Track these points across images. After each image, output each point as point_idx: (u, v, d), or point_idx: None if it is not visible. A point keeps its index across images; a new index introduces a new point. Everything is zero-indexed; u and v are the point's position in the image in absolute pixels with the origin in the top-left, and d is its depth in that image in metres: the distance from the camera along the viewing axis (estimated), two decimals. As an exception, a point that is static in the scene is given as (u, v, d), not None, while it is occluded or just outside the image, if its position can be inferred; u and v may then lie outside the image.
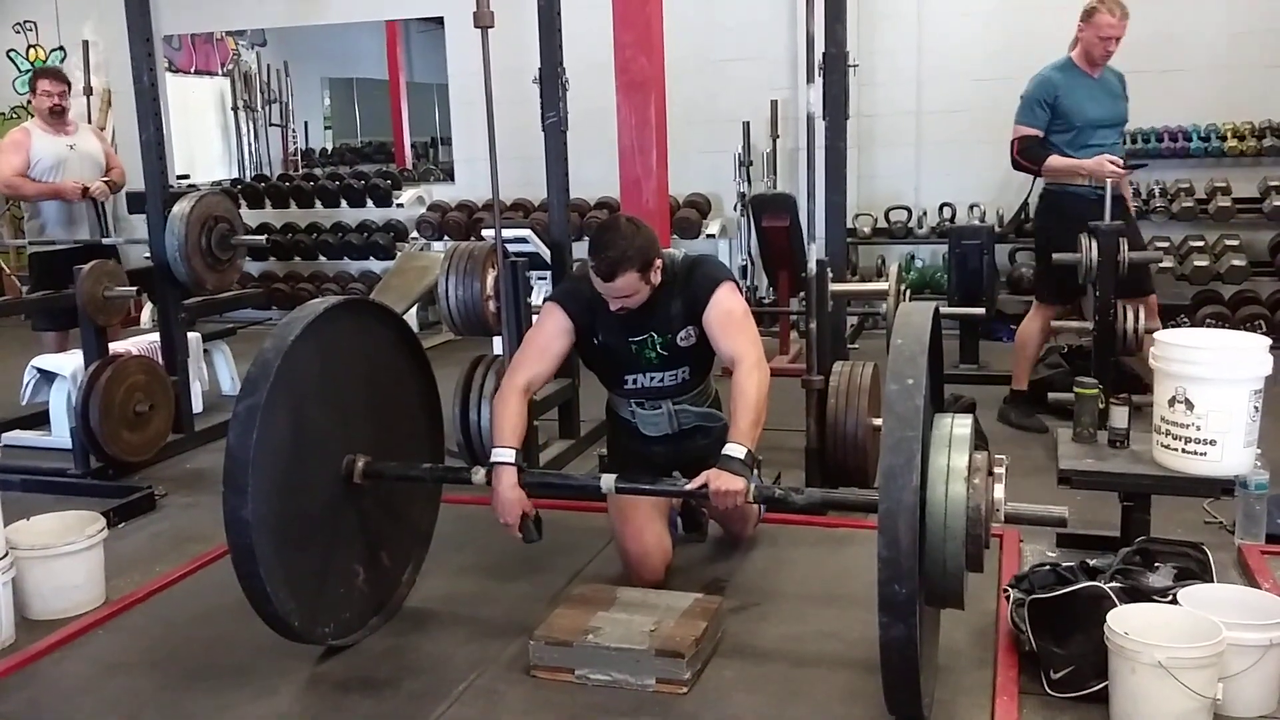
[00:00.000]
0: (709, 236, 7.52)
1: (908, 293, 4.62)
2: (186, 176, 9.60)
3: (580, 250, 3.63)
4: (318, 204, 8.76)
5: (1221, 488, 3.22)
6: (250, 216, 8.37)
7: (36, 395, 5.37)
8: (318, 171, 10.57)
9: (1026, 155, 4.84)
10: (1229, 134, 6.71)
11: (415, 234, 8.39)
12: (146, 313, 7.36)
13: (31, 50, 9.49)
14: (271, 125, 11.18)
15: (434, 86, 10.47)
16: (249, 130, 10.88)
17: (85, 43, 8.48)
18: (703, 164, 7.57)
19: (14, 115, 9.31)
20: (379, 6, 9.06)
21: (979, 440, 2.68)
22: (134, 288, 5.00)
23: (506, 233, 4.55)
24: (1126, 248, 4.52)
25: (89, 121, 7.62)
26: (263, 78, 11.16)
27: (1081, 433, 3.46)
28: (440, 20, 8.65)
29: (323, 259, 8.65)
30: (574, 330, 3.23)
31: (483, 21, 3.60)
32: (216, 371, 6.11)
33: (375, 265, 8.51)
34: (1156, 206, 6.68)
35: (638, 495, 3.20)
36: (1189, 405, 3.06)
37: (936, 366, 2.78)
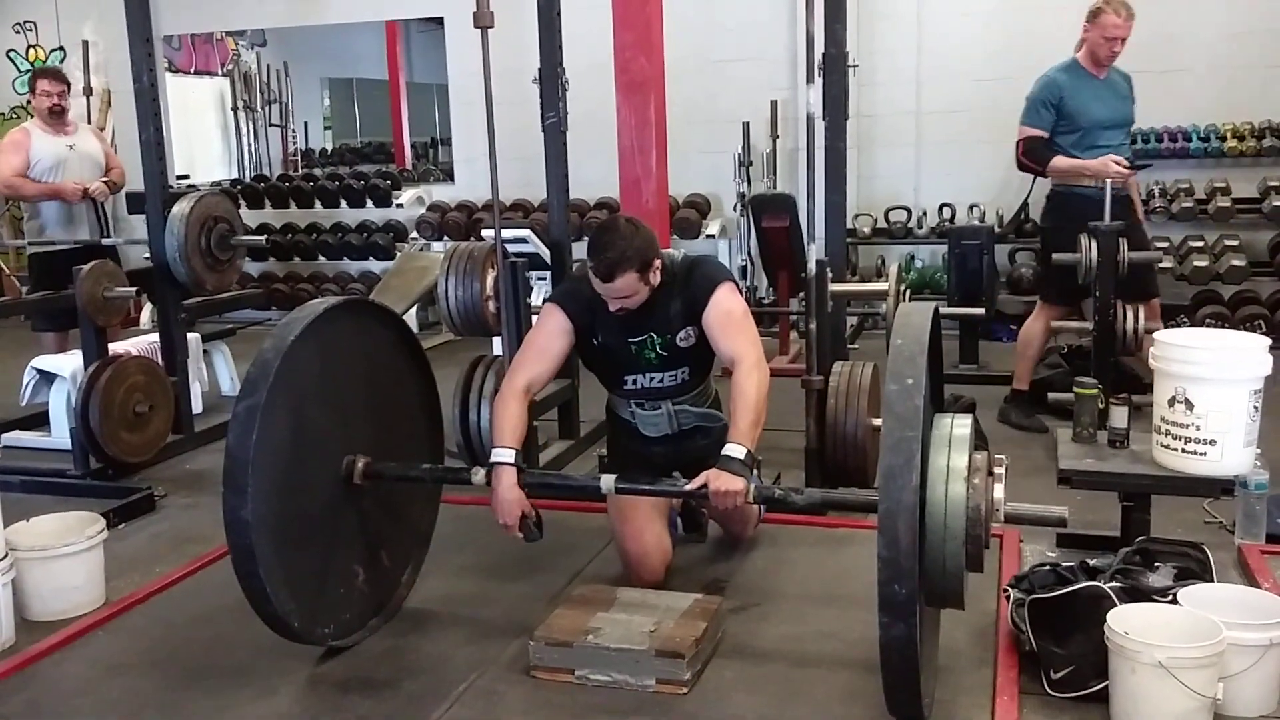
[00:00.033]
0: (709, 237, 7.52)
1: (907, 293, 4.61)
2: (186, 177, 9.60)
3: (580, 250, 3.63)
4: (317, 204, 8.76)
5: (1221, 488, 3.22)
6: (250, 217, 8.37)
7: (36, 396, 5.37)
8: (317, 172, 10.58)
9: (1031, 156, 4.84)
10: (1228, 134, 6.71)
11: (415, 234, 8.39)
12: (146, 313, 7.36)
13: (31, 50, 9.49)
14: (271, 125, 11.19)
15: (434, 87, 10.49)
16: (249, 130, 10.89)
17: (85, 43, 8.48)
18: (702, 164, 7.58)
19: (14, 115, 9.31)
20: (379, 7, 9.06)
21: (979, 440, 2.68)
22: (133, 288, 5.01)
23: (506, 233, 4.55)
24: (1126, 248, 4.52)
25: (89, 122, 7.62)
26: (262, 78, 11.17)
27: (1081, 433, 3.46)
28: (440, 20, 8.65)
29: (322, 259, 8.65)
30: (574, 331, 3.23)
31: (482, 22, 3.60)
32: (216, 372, 6.11)
33: (375, 266, 8.50)
34: (1156, 207, 6.68)
35: (637, 496, 3.20)
36: (1189, 405, 3.06)
37: (936, 367, 2.78)
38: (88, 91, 8.17)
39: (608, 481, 3.00)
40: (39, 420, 5.35)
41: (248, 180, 9.65)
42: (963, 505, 2.38)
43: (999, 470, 2.49)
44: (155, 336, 5.37)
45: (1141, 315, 4.60)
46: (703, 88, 7.47)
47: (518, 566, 3.52)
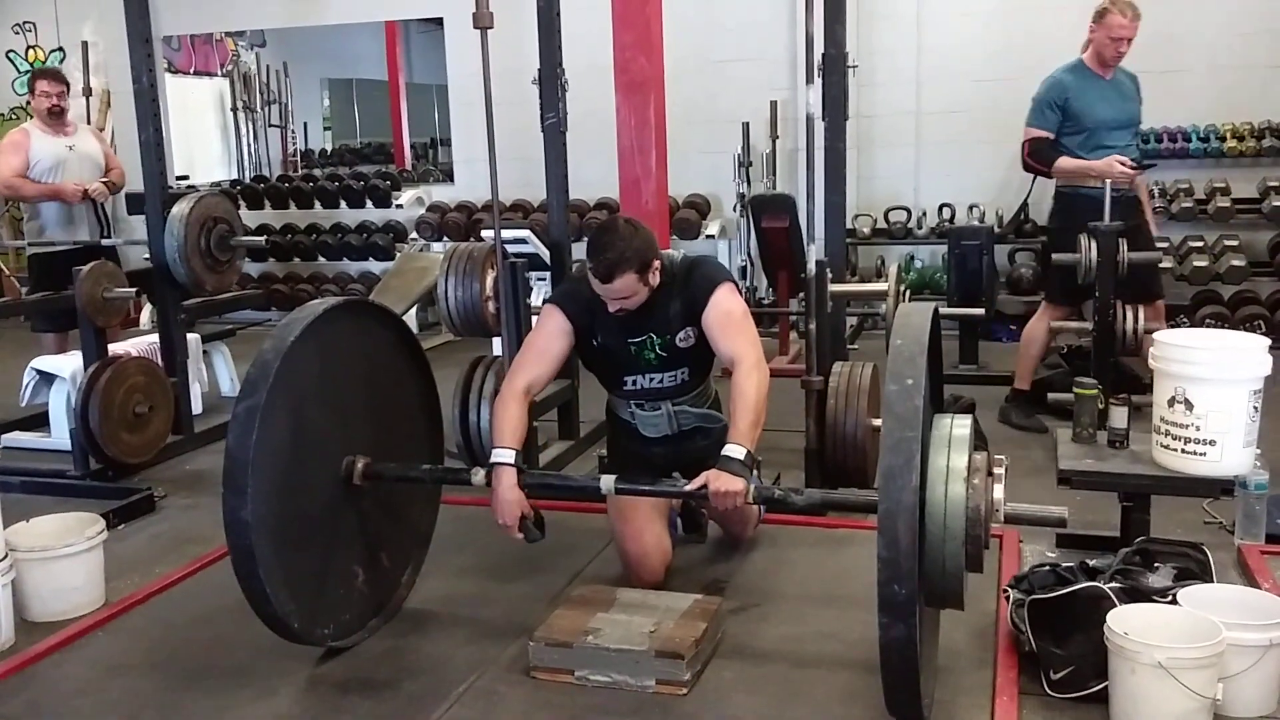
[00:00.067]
0: (708, 237, 7.52)
1: (907, 293, 4.62)
2: (186, 177, 9.61)
3: (579, 251, 3.63)
4: (317, 205, 8.76)
5: (1221, 488, 3.22)
6: (249, 217, 8.36)
7: (36, 397, 5.37)
8: (317, 172, 10.58)
9: (1037, 157, 4.84)
10: (1228, 134, 6.71)
11: (414, 235, 8.39)
12: (146, 314, 7.36)
13: (31, 51, 9.49)
14: (271, 126, 11.20)
15: (433, 87, 10.50)
16: (248, 131, 10.89)
17: (84, 43, 8.48)
18: (702, 165, 7.57)
19: (13, 116, 9.31)
20: (378, 7, 9.06)
21: (978, 441, 2.68)
22: (133, 289, 5.01)
23: (506, 233, 4.55)
24: (1126, 248, 4.52)
25: (88, 122, 7.62)
26: (262, 78, 11.17)
27: (1081, 433, 3.46)
28: (439, 21, 8.65)
29: (322, 260, 8.65)
30: (573, 332, 3.23)
31: (482, 22, 3.60)
32: (216, 373, 6.11)
33: (374, 266, 8.50)
34: (1156, 207, 6.66)
35: (637, 496, 3.20)
36: (1188, 405, 3.06)
37: (936, 367, 2.78)
38: (87, 92, 8.17)
39: (607, 482, 3.00)
40: (39, 421, 5.35)
41: (247, 181, 9.65)
42: (962, 506, 2.38)
43: (999, 471, 2.49)
44: (155, 337, 5.37)
45: (1145, 316, 4.60)
46: (702, 88, 7.47)
47: (517, 567, 3.52)
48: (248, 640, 2.99)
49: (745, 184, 7.41)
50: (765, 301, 7.21)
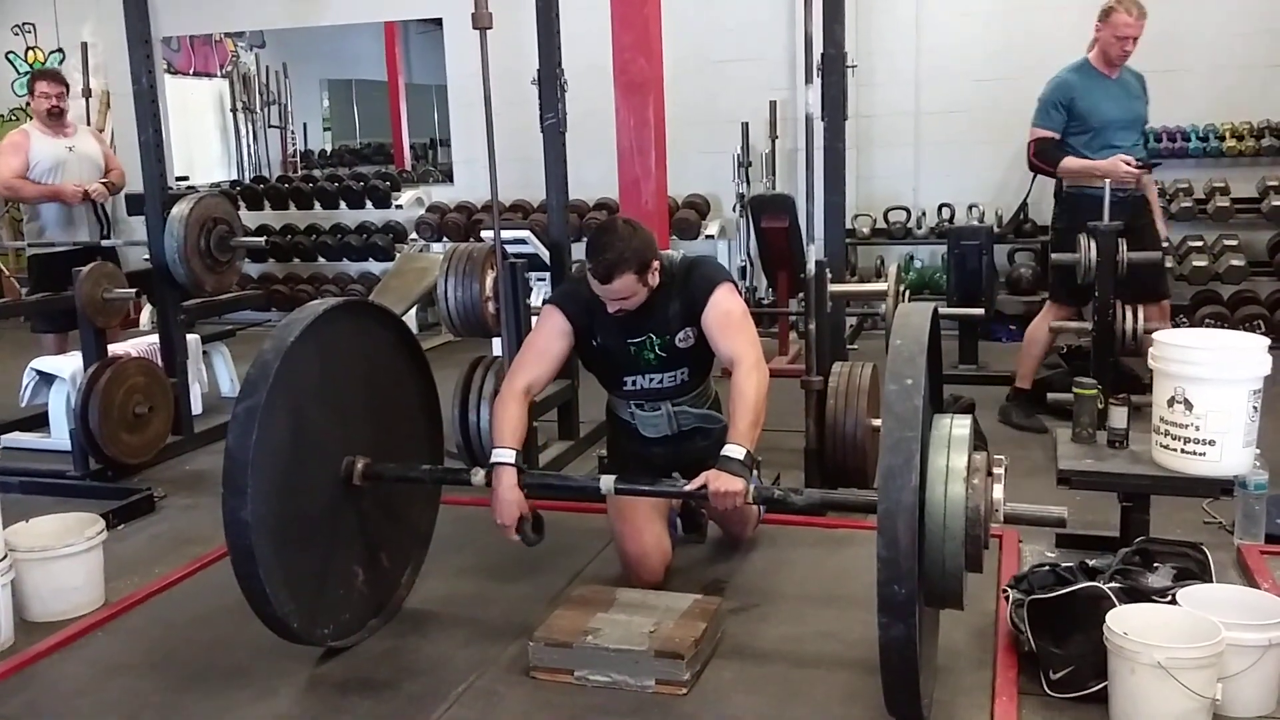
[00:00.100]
0: (708, 237, 7.52)
1: (906, 293, 4.62)
2: (185, 178, 9.60)
3: (579, 251, 3.63)
4: (316, 205, 8.76)
5: (1221, 488, 3.22)
6: (249, 218, 8.36)
7: (36, 397, 5.38)
8: (316, 173, 10.57)
9: (1042, 157, 4.84)
10: (1227, 134, 6.72)
11: (414, 235, 8.39)
12: (146, 314, 7.36)
13: (30, 52, 9.49)
14: (270, 127, 11.19)
15: (433, 88, 10.47)
16: (248, 132, 10.89)
17: (84, 44, 8.47)
18: (702, 165, 7.58)
19: (13, 117, 9.32)
20: (378, 8, 9.07)
21: (978, 441, 2.68)
22: (133, 289, 5.01)
23: (505, 234, 4.55)
24: (1125, 249, 4.52)
25: (88, 123, 7.62)
26: (261, 79, 11.16)
27: (1080, 433, 3.46)
28: (439, 21, 8.65)
29: (322, 260, 8.65)
30: (573, 332, 3.23)
31: (481, 23, 3.60)
32: (216, 373, 6.12)
33: (374, 267, 8.51)
34: (1156, 207, 6.69)
35: (637, 496, 3.20)
36: (1188, 405, 3.06)
37: (935, 367, 2.78)
38: (87, 93, 8.17)
39: (607, 482, 3.00)
40: (38, 421, 5.35)
41: (247, 181, 9.65)
42: (962, 505, 2.38)
43: (998, 470, 2.50)
44: (155, 338, 5.37)
45: (1150, 316, 4.61)
46: (702, 88, 7.46)
47: (517, 567, 3.52)
48: (247, 640, 2.99)
49: (745, 184, 7.41)
50: (765, 302, 7.21)
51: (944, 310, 3.98)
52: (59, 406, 5.14)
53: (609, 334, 3.23)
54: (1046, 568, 2.90)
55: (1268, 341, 3.14)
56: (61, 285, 4.99)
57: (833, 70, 4.18)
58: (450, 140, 9.15)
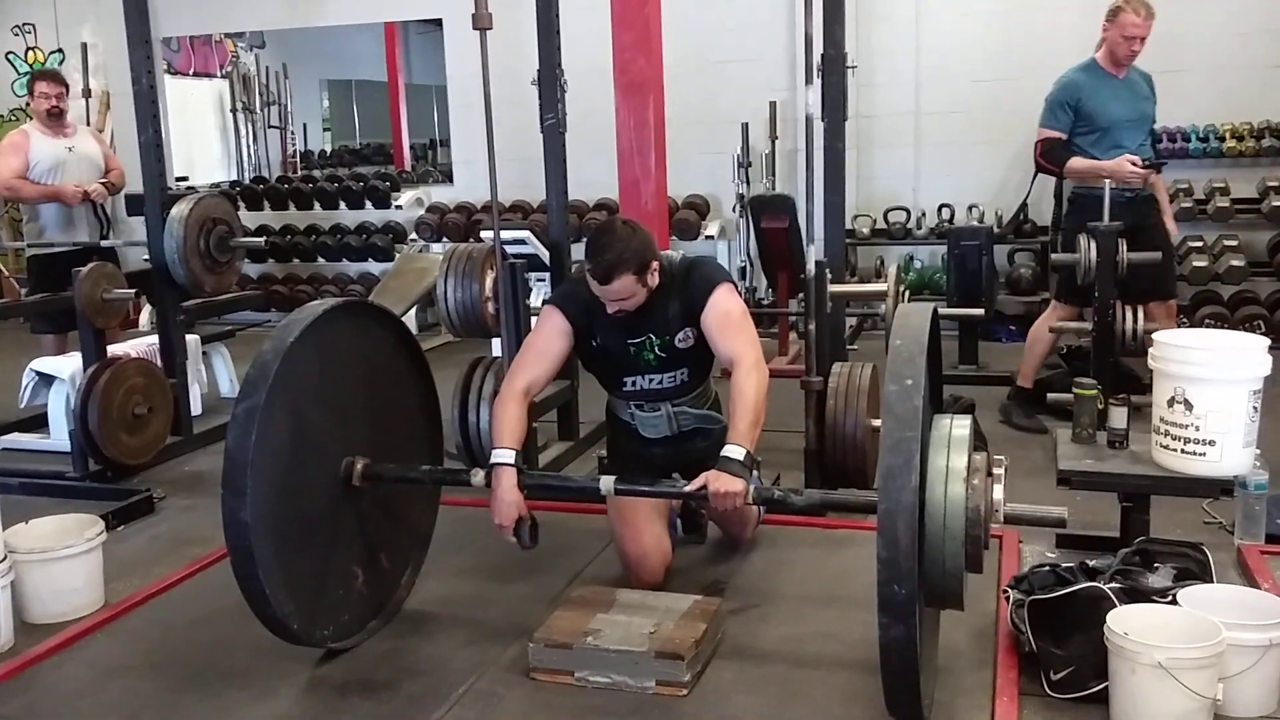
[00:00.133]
0: (708, 238, 7.52)
1: (906, 294, 4.62)
2: (185, 179, 9.60)
3: (579, 252, 3.62)
4: (316, 206, 8.75)
5: (1221, 488, 3.22)
6: (249, 218, 8.36)
7: (35, 398, 5.38)
8: (316, 173, 10.57)
9: (1049, 158, 4.84)
10: (1227, 134, 6.72)
11: (414, 236, 8.39)
12: (145, 315, 7.35)
13: (30, 53, 9.49)
14: (270, 127, 11.19)
15: (432, 88, 10.48)
16: (248, 132, 10.89)
17: (84, 45, 8.48)
18: (701, 165, 7.58)
19: (13, 118, 9.31)
20: (377, 8, 9.06)
21: (978, 441, 2.68)
22: (132, 290, 5.01)
23: (505, 234, 4.55)
24: (1126, 249, 4.52)
25: (87, 124, 7.62)
26: (261, 80, 11.17)
27: (1081, 433, 3.45)
28: (439, 22, 8.65)
29: (321, 261, 8.65)
30: (572, 332, 3.23)
31: (481, 23, 3.60)
32: (215, 374, 6.11)
33: (374, 267, 8.50)
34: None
35: (637, 497, 3.20)
36: (1188, 406, 3.05)
37: (935, 367, 2.78)
38: (86, 93, 8.18)
39: (607, 483, 3.00)
40: (38, 422, 5.35)
41: (247, 182, 9.65)
42: (962, 506, 2.38)
43: (998, 471, 2.49)
44: (154, 338, 5.37)
45: (1156, 314, 4.62)
46: (702, 89, 7.46)
47: (517, 568, 3.52)
48: (247, 642, 2.98)
49: (744, 185, 7.41)
50: (765, 302, 7.21)
51: (944, 310, 3.98)
52: (58, 407, 5.14)
53: (609, 334, 3.22)
54: (1047, 568, 2.90)
55: (1268, 342, 3.14)
56: (61, 286, 4.99)
57: (833, 71, 4.18)
58: (450, 140, 9.15)
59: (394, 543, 3.25)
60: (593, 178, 6.77)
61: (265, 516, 2.68)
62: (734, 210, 7.55)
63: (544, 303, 3.36)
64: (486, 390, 4.14)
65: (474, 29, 3.60)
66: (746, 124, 7.39)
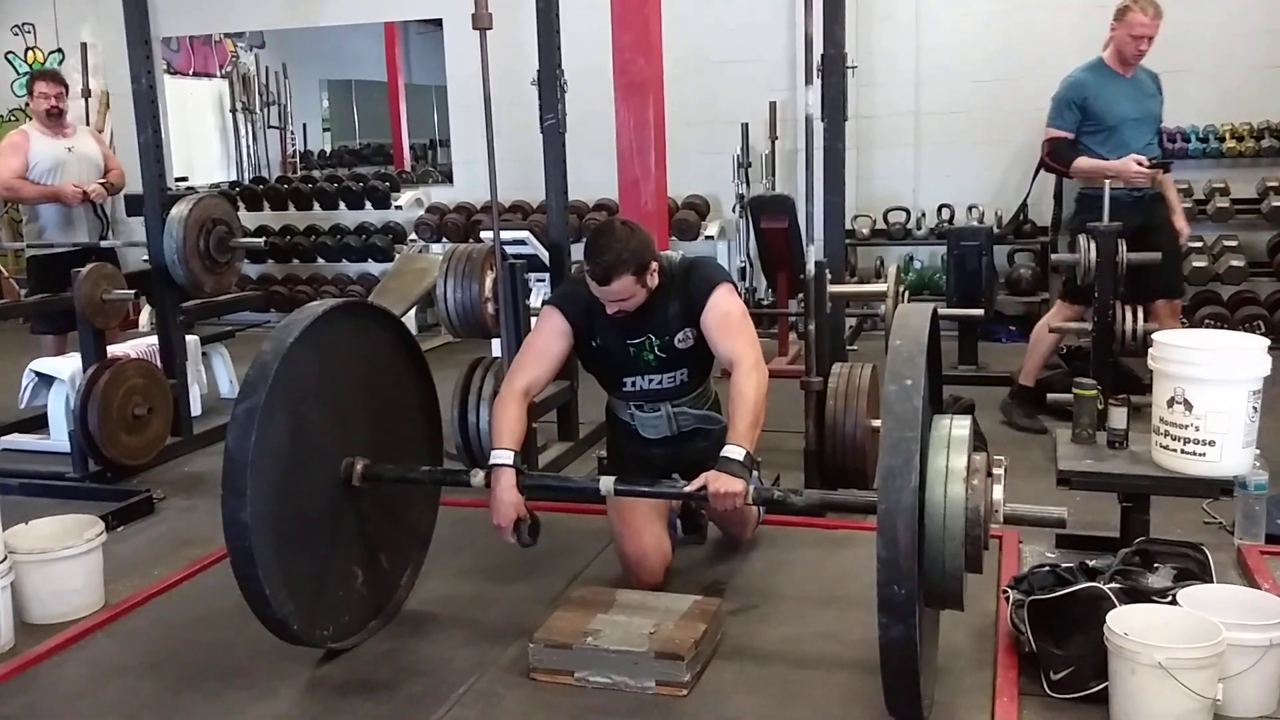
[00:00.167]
0: (707, 238, 7.51)
1: (906, 294, 4.62)
2: (185, 179, 9.60)
3: (578, 252, 3.62)
4: (316, 206, 8.75)
5: (1221, 488, 3.22)
6: (248, 219, 8.36)
7: (35, 398, 5.37)
8: (316, 174, 10.57)
9: (1056, 157, 4.85)
10: (1227, 135, 6.72)
11: (414, 236, 8.39)
12: (145, 315, 7.36)
13: (29, 53, 9.49)
14: (270, 127, 11.20)
15: (432, 88, 10.49)
16: (247, 132, 10.89)
17: (83, 45, 8.48)
18: (701, 165, 7.57)
19: (12, 118, 9.31)
20: (377, 8, 9.06)
21: (977, 441, 2.68)
22: (132, 290, 5.01)
23: (505, 235, 4.56)
24: (1126, 249, 4.52)
25: (87, 124, 7.62)
26: (261, 80, 11.17)
27: (1080, 433, 3.45)
28: (439, 22, 8.65)
29: (321, 261, 8.65)
30: (572, 333, 3.22)
31: (481, 23, 3.60)
32: (215, 374, 6.11)
33: (373, 267, 8.50)
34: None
35: (637, 497, 3.20)
36: (1188, 406, 3.06)
37: (935, 368, 2.78)
38: (86, 93, 8.17)
39: (607, 483, 2.99)
40: (38, 423, 5.35)
41: (246, 182, 9.66)
42: (962, 506, 2.38)
43: (998, 471, 2.49)
44: (154, 339, 5.37)
45: (1160, 313, 4.62)
46: (701, 89, 7.46)
47: (517, 569, 3.52)
48: (247, 642, 2.98)
49: (744, 185, 7.41)
50: (764, 302, 7.21)
51: (943, 311, 3.98)
52: (58, 408, 5.14)
53: (608, 335, 3.22)
54: (1046, 568, 2.90)
55: (1267, 342, 3.14)
56: (60, 286, 4.99)
57: (833, 71, 4.18)
58: (450, 141, 9.15)
59: (394, 543, 3.25)
60: (592, 178, 6.77)
61: (265, 517, 2.67)
62: (734, 210, 7.55)
63: (544, 303, 3.36)
64: (486, 391, 4.14)
65: (474, 29, 3.60)
66: (746, 124, 7.39)
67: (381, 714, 2.75)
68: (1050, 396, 4.81)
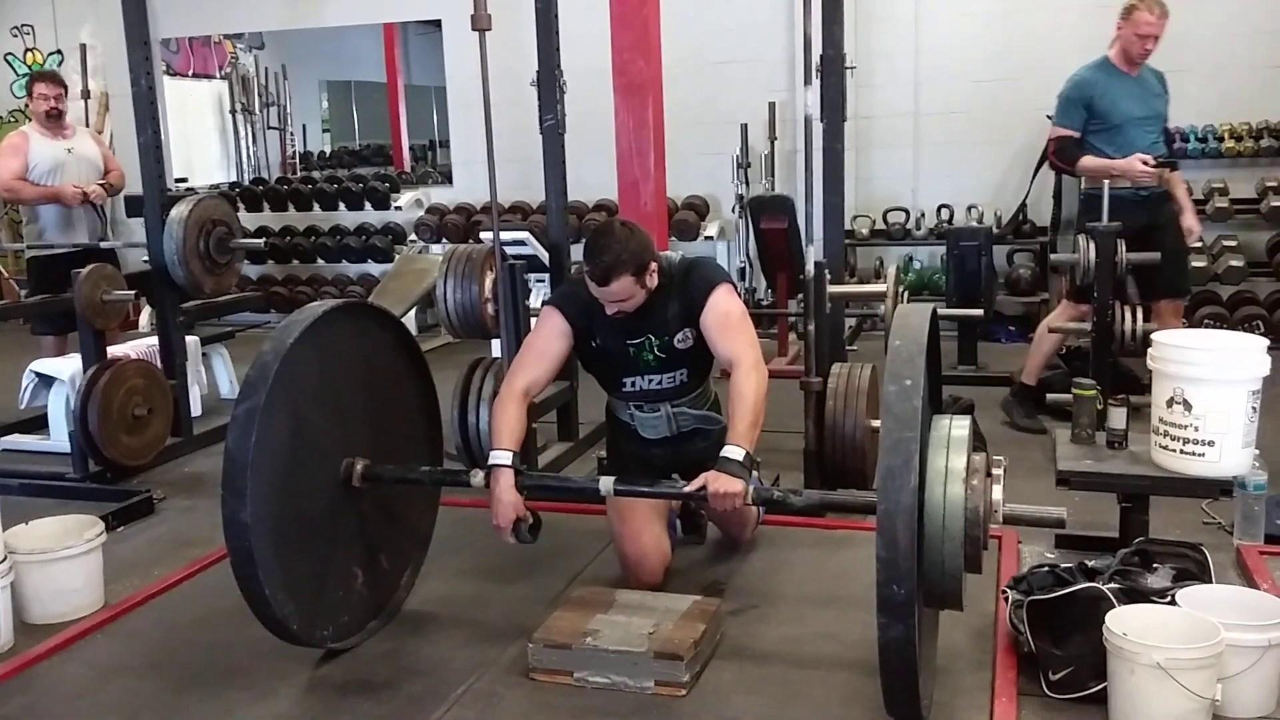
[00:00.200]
0: (707, 238, 7.52)
1: (905, 294, 4.62)
2: (185, 180, 9.60)
3: (578, 253, 3.63)
4: (316, 207, 8.76)
5: (1220, 488, 3.22)
6: (248, 220, 8.37)
7: (35, 399, 5.38)
8: (316, 174, 10.58)
9: (1062, 156, 4.85)
10: (1226, 135, 6.72)
11: (413, 237, 8.39)
12: (145, 316, 7.36)
13: (29, 54, 9.49)
14: (269, 128, 11.19)
15: (432, 89, 10.48)
16: (247, 133, 10.89)
17: (83, 46, 8.48)
18: (701, 166, 7.58)
19: (12, 119, 9.31)
20: (377, 9, 9.06)
21: (977, 441, 2.68)
22: (132, 291, 5.01)
23: (505, 235, 4.56)
24: (1124, 249, 4.52)
25: (87, 125, 7.62)
26: (260, 81, 11.16)
27: (1080, 434, 3.46)
28: (438, 23, 8.65)
29: (321, 262, 8.65)
30: (572, 333, 3.23)
31: (480, 24, 3.60)
32: (215, 375, 6.12)
33: (373, 268, 8.51)
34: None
35: (636, 497, 3.20)
36: (1187, 406, 3.06)
37: (934, 368, 2.78)
38: (85, 95, 8.17)
39: (606, 483, 3.00)
40: (38, 423, 5.35)
41: (246, 183, 9.66)
42: (961, 506, 2.38)
43: (997, 471, 2.49)
44: (154, 339, 5.37)
45: (1163, 312, 4.62)
46: (701, 89, 7.47)
47: (517, 569, 3.52)
48: (247, 642, 2.99)
49: (744, 185, 7.42)
50: (764, 303, 7.21)
51: (943, 311, 3.98)
52: (58, 408, 5.14)
53: (608, 335, 3.23)
54: (1046, 568, 2.90)
55: (1266, 342, 3.14)
56: (61, 287, 4.99)
57: (832, 71, 4.18)
58: (449, 142, 9.16)
59: (394, 543, 3.25)
60: (592, 179, 6.77)
61: (265, 517, 2.68)
62: (733, 211, 7.55)
63: (543, 303, 3.37)
64: (486, 391, 4.14)
65: (473, 30, 3.60)
66: (746, 125, 7.40)
67: (381, 714, 2.75)
68: (1049, 396, 4.82)
